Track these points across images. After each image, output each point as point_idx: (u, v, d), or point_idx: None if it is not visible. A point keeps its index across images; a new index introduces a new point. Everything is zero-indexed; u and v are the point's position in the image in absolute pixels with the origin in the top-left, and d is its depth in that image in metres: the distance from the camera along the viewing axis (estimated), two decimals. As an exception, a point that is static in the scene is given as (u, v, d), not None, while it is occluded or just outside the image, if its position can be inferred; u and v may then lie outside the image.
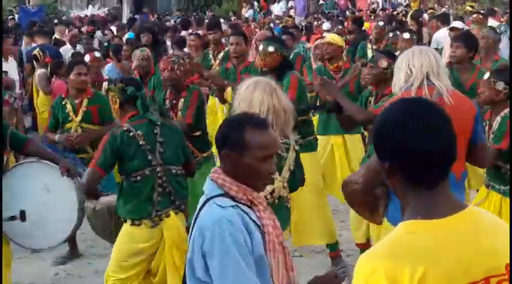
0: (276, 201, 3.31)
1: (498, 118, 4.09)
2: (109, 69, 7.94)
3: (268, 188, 3.16)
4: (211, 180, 2.30)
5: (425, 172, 1.59)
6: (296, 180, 3.51)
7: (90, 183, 3.92)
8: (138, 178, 3.87)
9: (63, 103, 5.42)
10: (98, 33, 12.49)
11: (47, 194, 4.07)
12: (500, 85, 4.05)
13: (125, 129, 3.87)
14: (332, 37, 6.31)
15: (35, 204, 4.05)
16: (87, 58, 6.57)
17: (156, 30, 11.06)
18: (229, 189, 2.27)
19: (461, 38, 5.78)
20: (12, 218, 3.95)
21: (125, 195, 3.93)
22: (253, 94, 3.19)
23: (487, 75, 4.24)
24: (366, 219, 3.81)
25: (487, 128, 4.17)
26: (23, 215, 3.99)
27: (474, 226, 1.59)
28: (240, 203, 2.26)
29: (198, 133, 5.19)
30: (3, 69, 7.88)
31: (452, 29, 8.08)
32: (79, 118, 5.35)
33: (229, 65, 6.34)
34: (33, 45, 10.34)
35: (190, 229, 2.29)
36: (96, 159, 3.90)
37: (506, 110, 4.07)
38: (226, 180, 2.28)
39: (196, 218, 2.27)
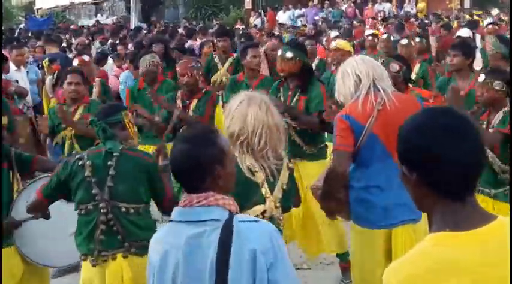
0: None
1: (500, 113, 4.17)
2: (125, 76, 7.96)
3: (260, 208, 3.04)
4: (218, 205, 2.15)
5: (455, 183, 1.57)
6: (289, 199, 3.29)
7: (30, 209, 3.71)
8: (82, 211, 3.56)
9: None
10: (96, 43, 12.55)
11: (64, 205, 3.82)
12: (498, 85, 4.15)
13: (77, 156, 3.61)
14: (338, 43, 6.35)
15: (51, 220, 3.91)
16: (75, 62, 6.53)
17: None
18: (229, 205, 2.18)
19: (458, 46, 5.80)
20: (34, 217, 3.87)
21: (77, 226, 3.65)
22: (247, 111, 3.00)
23: (482, 78, 4.28)
24: (337, 216, 3.97)
25: (484, 126, 4.20)
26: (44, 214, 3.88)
27: (504, 237, 1.56)
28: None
29: None
30: (15, 78, 7.98)
31: (459, 38, 8.09)
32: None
33: (242, 78, 6.18)
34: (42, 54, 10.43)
35: (217, 262, 2.09)
36: (43, 185, 3.66)
37: (507, 107, 4.16)
38: (226, 198, 2.19)
39: (225, 248, 2.09)
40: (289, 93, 5.02)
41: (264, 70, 6.94)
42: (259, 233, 2.12)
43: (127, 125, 3.75)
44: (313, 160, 4.99)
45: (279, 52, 5.11)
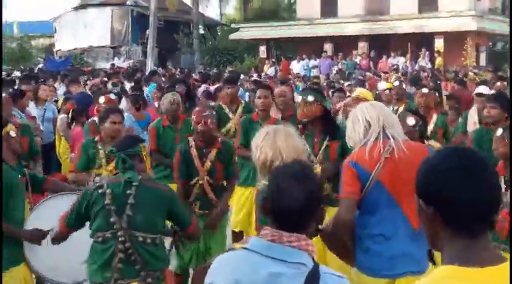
0: None
1: None
2: (125, 118, 8.06)
3: None
4: (307, 251, 2.07)
5: (469, 221, 1.59)
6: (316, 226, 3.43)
7: (55, 239, 3.79)
8: (99, 239, 3.60)
9: (97, 147, 5.36)
10: (109, 85, 12.71)
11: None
12: None
13: (97, 185, 3.68)
14: (360, 92, 6.29)
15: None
16: (101, 100, 6.62)
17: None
18: (314, 253, 2.10)
19: (495, 99, 5.71)
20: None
21: (90, 255, 3.68)
22: (275, 139, 3.10)
23: (499, 132, 4.23)
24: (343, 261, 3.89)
25: (502, 183, 4.11)
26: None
27: (507, 281, 1.56)
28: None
29: (224, 183, 5.22)
30: (32, 114, 8.08)
31: (478, 95, 8.05)
32: (111, 167, 5.14)
33: (256, 118, 6.17)
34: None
35: None
36: (65, 214, 3.74)
37: None
38: (314, 245, 2.12)
39: None
40: (316, 139, 4.93)
41: (274, 113, 6.93)
42: None
43: (144, 157, 3.82)
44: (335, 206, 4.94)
45: (300, 98, 5.08)
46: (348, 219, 3.45)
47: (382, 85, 14.14)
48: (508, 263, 1.59)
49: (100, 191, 3.60)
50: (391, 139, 3.45)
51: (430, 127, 6.60)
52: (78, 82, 11.01)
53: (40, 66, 27.68)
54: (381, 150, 3.42)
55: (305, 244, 2.05)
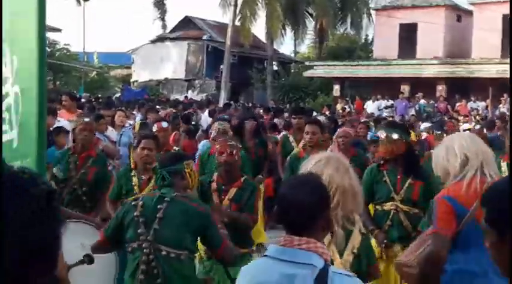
0: None
1: None
2: (203, 144, 8.15)
3: None
4: (317, 253, 2.19)
5: None
6: (362, 266, 3.11)
7: (94, 249, 3.76)
8: (129, 249, 3.70)
9: (131, 174, 5.19)
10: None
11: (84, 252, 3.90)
12: None
13: (135, 197, 3.81)
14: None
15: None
16: (154, 128, 6.54)
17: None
18: (326, 255, 2.22)
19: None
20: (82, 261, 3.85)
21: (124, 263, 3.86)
22: (323, 170, 2.89)
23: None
24: None
25: None
26: (90, 259, 3.83)
27: None
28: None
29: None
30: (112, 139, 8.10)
31: None
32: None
33: (303, 154, 6.04)
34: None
35: None
36: (106, 226, 3.87)
37: None
38: (324, 248, 2.25)
39: None
40: (398, 177, 4.80)
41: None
42: None
43: (187, 175, 3.78)
44: None
45: (382, 134, 4.91)
46: (443, 255, 3.33)
47: (464, 126, 13.75)
48: None
49: (134, 203, 3.72)
50: (489, 178, 3.31)
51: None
52: (156, 110, 11.16)
53: (117, 95, 28.46)
54: (477, 187, 3.28)
55: (314, 246, 2.19)
